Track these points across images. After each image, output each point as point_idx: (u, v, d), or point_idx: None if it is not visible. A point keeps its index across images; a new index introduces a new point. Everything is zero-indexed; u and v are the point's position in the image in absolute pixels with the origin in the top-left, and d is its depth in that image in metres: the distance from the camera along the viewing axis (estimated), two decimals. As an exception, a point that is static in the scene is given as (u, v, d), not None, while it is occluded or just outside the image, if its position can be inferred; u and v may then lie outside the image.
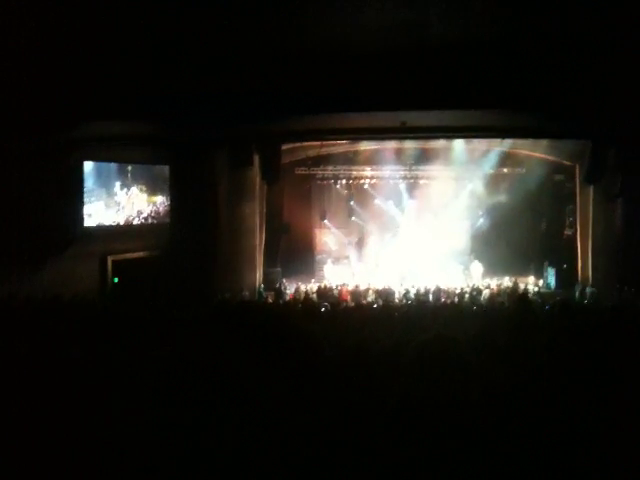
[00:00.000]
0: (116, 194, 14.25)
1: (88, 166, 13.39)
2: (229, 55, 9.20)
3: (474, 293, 15.64)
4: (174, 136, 13.41)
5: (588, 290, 14.33)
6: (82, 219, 13.27)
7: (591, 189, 14.70)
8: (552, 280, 16.89)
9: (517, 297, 14.33)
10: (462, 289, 16.10)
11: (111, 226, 14.13)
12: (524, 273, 17.89)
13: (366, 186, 20.33)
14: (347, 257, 20.32)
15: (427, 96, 10.63)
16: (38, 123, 9.28)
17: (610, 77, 9.37)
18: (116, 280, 14.14)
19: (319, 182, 20.12)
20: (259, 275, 15.29)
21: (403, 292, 15.46)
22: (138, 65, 9.28)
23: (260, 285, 15.28)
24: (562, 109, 10.92)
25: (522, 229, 19.17)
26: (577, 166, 15.62)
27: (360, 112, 11.47)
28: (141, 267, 14.08)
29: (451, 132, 14.77)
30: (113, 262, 14.07)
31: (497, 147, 17.30)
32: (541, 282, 17.31)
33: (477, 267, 18.79)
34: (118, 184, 14.30)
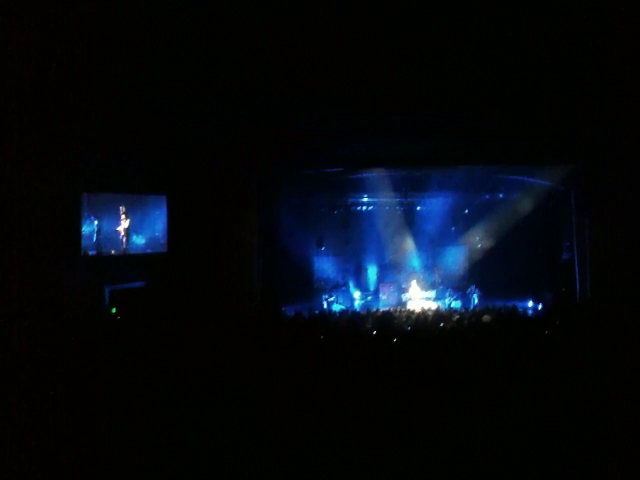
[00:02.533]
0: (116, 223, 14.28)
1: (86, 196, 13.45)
2: (223, 77, 9.27)
3: (473, 318, 15.58)
4: (171, 163, 13.52)
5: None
6: (79, 248, 13.26)
7: (586, 212, 14.75)
8: (550, 304, 16.87)
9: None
10: (461, 314, 16.05)
11: (109, 255, 14.10)
12: (522, 298, 17.88)
13: (363, 212, 20.45)
14: (345, 284, 20.33)
15: (423, 123, 10.79)
16: (37, 147, 9.31)
17: (601, 98, 9.48)
18: (114, 310, 14.07)
19: (316, 209, 20.23)
20: (257, 302, 15.23)
21: (404, 318, 15.41)
22: (132, 83, 9.35)
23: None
24: (558, 133, 11.06)
25: (519, 254, 19.23)
26: (571, 191, 15.72)
27: (357, 140, 11.60)
28: (139, 297, 14.05)
29: (440, 161, 14.91)
30: (110, 292, 14.02)
31: (492, 173, 17.43)
32: (540, 306, 17.31)
33: (475, 292, 18.86)
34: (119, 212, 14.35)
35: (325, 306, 18.44)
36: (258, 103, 9.66)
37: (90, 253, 13.59)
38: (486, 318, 15.16)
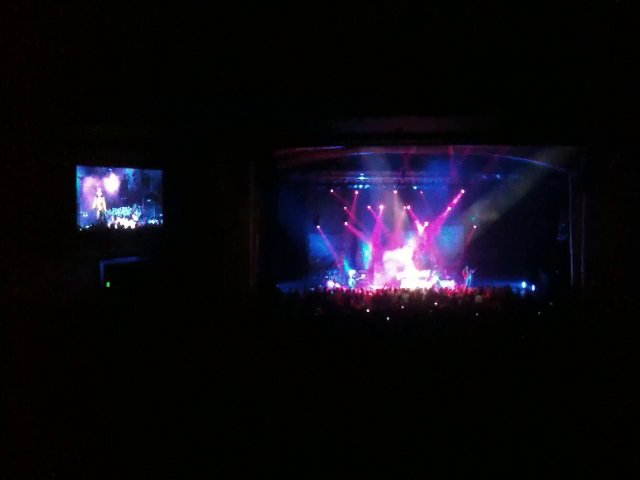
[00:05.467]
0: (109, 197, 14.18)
1: (82, 169, 13.38)
2: (225, 57, 9.19)
3: (467, 298, 15.67)
4: (169, 139, 13.41)
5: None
6: (76, 222, 13.22)
7: (584, 194, 14.75)
8: (546, 286, 16.96)
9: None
10: (455, 294, 16.14)
11: (104, 230, 14.05)
12: (517, 278, 17.95)
13: (360, 191, 20.40)
14: (341, 262, 20.37)
15: (423, 102, 10.68)
16: (32, 123, 9.22)
17: (608, 80, 9.40)
18: (108, 284, 14.07)
19: (313, 187, 20.20)
20: (253, 279, 15.25)
21: (398, 297, 15.48)
22: (133, 65, 9.25)
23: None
24: (562, 115, 10.97)
25: (515, 235, 19.27)
26: (570, 172, 15.68)
27: (355, 117, 11.49)
28: (134, 271, 14.05)
29: (444, 138, 14.81)
30: (105, 266, 14.00)
31: (490, 153, 17.36)
32: (533, 287, 17.40)
33: (470, 272, 18.92)
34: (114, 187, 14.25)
35: (328, 284, 18.46)
36: (254, 83, 9.57)
37: (86, 227, 13.56)
38: (478, 299, 15.28)
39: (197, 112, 10.42)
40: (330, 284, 18.47)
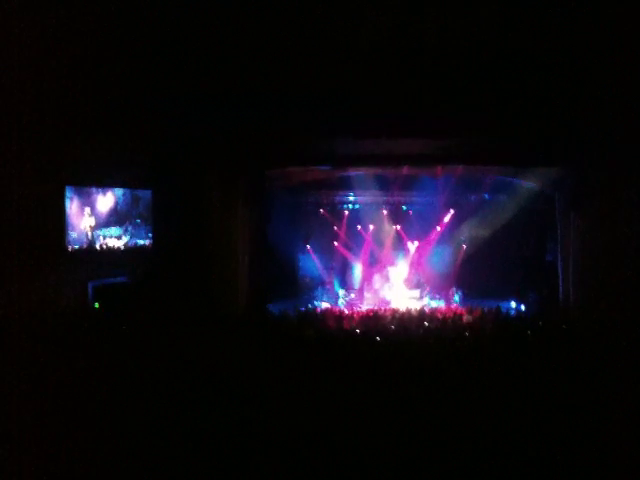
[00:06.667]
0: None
1: (71, 189, 13.32)
2: (221, 59, 9.22)
3: (456, 318, 15.67)
4: (159, 158, 13.43)
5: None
6: (64, 243, 13.13)
7: (572, 214, 14.89)
8: (534, 305, 17.03)
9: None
10: (444, 314, 16.13)
11: (93, 250, 13.96)
12: (506, 298, 18.01)
13: (350, 211, 20.48)
14: (331, 282, 20.35)
15: (410, 123, 10.83)
16: (23, 140, 9.19)
17: (589, 102, 9.55)
18: (97, 306, 13.95)
19: (303, 207, 20.25)
20: (242, 299, 15.18)
21: (388, 317, 15.46)
22: (120, 78, 9.28)
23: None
24: (549, 136, 11.14)
25: (504, 255, 19.38)
26: (557, 193, 15.85)
27: (346, 138, 11.61)
28: (123, 292, 13.93)
29: (431, 160, 14.98)
30: (94, 287, 13.89)
31: (479, 174, 17.54)
32: (523, 307, 17.44)
33: (457, 292, 18.97)
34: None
35: (317, 304, 18.41)
36: (245, 101, 9.63)
37: (75, 247, 13.46)
38: (467, 318, 15.28)
39: (185, 129, 10.44)
40: (320, 304, 18.43)
